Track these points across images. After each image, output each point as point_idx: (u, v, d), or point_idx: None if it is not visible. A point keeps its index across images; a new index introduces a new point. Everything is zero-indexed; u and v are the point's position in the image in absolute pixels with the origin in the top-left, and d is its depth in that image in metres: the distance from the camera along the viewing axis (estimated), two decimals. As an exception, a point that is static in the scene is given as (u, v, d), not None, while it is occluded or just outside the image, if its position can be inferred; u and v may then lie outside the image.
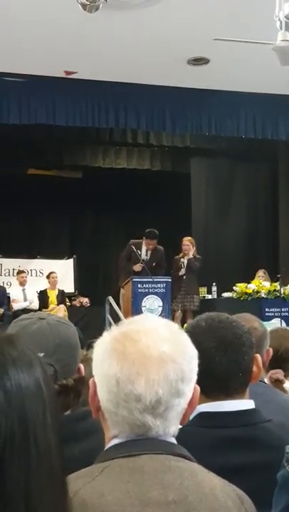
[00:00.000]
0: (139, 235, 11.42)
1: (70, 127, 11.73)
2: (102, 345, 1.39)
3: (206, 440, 1.89)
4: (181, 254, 11.72)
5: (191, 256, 11.61)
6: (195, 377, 1.40)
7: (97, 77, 10.95)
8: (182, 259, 11.62)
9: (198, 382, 1.43)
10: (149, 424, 1.33)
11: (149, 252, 11.09)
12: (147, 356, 1.33)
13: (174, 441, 1.39)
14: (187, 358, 1.38)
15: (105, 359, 1.36)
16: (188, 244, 11.69)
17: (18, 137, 12.57)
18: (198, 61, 10.47)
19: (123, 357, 1.33)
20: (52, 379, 1.75)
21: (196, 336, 1.98)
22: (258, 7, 8.51)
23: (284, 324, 9.67)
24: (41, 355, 1.74)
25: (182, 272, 11.50)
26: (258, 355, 2.12)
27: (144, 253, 11.07)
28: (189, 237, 11.97)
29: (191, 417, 1.46)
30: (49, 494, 1.01)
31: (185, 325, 2.22)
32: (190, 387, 1.38)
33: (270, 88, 11.34)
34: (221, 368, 1.99)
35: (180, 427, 1.41)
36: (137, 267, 10.79)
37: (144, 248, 11.09)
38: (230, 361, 2.01)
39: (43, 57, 10.06)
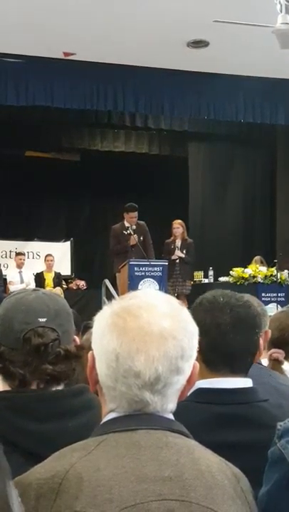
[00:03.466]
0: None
1: (69, 109, 11.71)
2: (103, 320, 1.38)
3: (203, 416, 1.90)
4: (172, 238, 11.69)
5: (181, 239, 11.60)
6: (195, 355, 1.39)
7: (96, 59, 10.90)
8: (175, 243, 11.60)
9: (209, 356, 1.42)
10: (147, 400, 1.33)
11: (133, 227, 11.02)
12: (148, 333, 1.32)
13: (171, 417, 1.38)
14: (188, 334, 1.37)
15: (105, 333, 1.35)
16: (179, 227, 11.67)
17: (15, 119, 12.52)
18: (198, 44, 10.44)
19: (123, 332, 1.33)
20: (56, 344, 1.77)
21: (214, 311, 2.01)
22: (258, -10, 8.49)
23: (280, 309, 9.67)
24: (44, 320, 1.75)
25: (175, 256, 11.49)
26: (260, 339, 2.13)
27: (130, 229, 11.00)
28: (179, 220, 11.92)
29: (189, 393, 1.46)
30: None
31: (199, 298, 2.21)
32: (190, 364, 1.37)
33: (270, 72, 11.30)
34: (234, 346, 2.02)
35: None
36: (132, 240, 10.75)
37: (128, 226, 11.01)
38: (243, 340, 2.03)
39: (42, 39, 10.01)
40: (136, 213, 10.96)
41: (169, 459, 1.29)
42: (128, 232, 10.81)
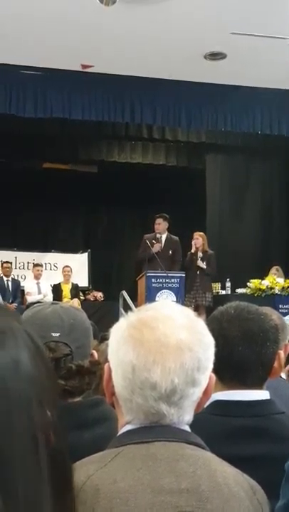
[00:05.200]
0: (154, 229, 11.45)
1: (86, 121, 11.75)
2: (119, 331, 1.38)
3: (219, 428, 1.89)
4: (194, 250, 11.70)
5: (202, 251, 11.60)
6: (211, 366, 1.39)
7: (114, 71, 10.94)
8: (197, 254, 11.60)
9: (218, 369, 1.42)
10: (163, 412, 1.33)
11: (163, 238, 11.11)
12: (164, 344, 1.32)
13: (188, 429, 1.38)
14: (204, 346, 1.37)
15: (121, 345, 1.35)
16: (198, 238, 11.66)
17: (33, 131, 12.59)
18: (215, 56, 10.44)
19: (140, 344, 1.33)
20: (69, 359, 1.75)
21: (222, 323, 1.99)
22: (275, 2, 8.49)
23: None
24: (57, 335, 1.75)
25: (198, 264, 11.50)
26: (281, 352, 2.11)
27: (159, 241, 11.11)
28: (201, 232, 11.94)
29: (206, 405, 1.45)
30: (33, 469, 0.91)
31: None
32: (206, 376, 1.37)
33: (287, 84, 11.28)
34: (242, 358, 1.99)
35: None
36: (156, 247, 10.84)
37: (158, 235, 11.13)
38: (252, 353, 2.00)
39: (60, 51, 10.06)
40: (160, 220, 11.22)
41: (185, 471, 1.28)
42: (155, 241, 10.95)
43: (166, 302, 1.54)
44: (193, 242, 11.60)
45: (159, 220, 11.18)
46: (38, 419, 0.93)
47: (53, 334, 1.75)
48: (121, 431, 1.38)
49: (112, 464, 1.28)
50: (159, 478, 1.26)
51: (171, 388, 1.31)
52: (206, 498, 1.26)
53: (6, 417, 0.89)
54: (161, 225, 11.17)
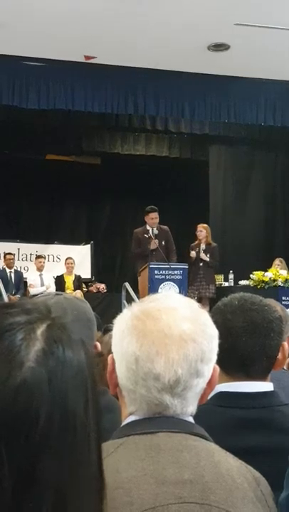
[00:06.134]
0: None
1: (89, 113, 11.74)
2: (123, 322, 1.38)
3: (223, 420, 1.89)
4: (196, 242, 11.70)
5: (205, 243, 11.58)
6: (215, 358, 1.39)
7: (117, 63, 10.92)
8: (200, 246, 11.59)
9: (221, 360, 1.41)
10: (166, 403, 1.32)
11: (155, 232, 11.02)
12: (168, 335, 1.32)
13: (191, 420, 1.38)
14: (208, 338, 1.36)
15: (125, 336, 1.35)
16: (202, 230, 11.65)
17: (36, 122, 12.59)
18: (219, 47, 10.42)
19: (143, 335, 1.32)
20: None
21: (226, 314, 1.98)
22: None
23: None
24: None
25: (201, 256, 11.48)
26: (285, 344, 2.10)
27: (150, 233, 10.99)
28: (204, 224, 11.93)
29: (210, 396, 1.45)
30: (83, 487, 0.91)
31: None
32: (209, 367, 1.37)
33: (291, 75, 11.27)
34: (246, 350, 1.98)
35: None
36: (153, 245, 10.72)
37: (149, 229, 11.01)
38: (256, 344, 1.99)
39: (63, 42, 10.04)
40: (155, 214, 10.95)
41: (188, 461, 1.28)
42: (149, 235, 10.80)
43: (170, 293, 1.54)
44: (197, 235, 11.60)
45: (154, 214, 10.92)
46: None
47: None
48: (124, 422, 1.38)
49: (115, 455, 1.28)
50: (163, 469, 1.26)
51: (175, 379, 1.31)
52: (209, 489, 1.26)
53: (85, 407, 0.89)
54: (157, 219, 11.00)
